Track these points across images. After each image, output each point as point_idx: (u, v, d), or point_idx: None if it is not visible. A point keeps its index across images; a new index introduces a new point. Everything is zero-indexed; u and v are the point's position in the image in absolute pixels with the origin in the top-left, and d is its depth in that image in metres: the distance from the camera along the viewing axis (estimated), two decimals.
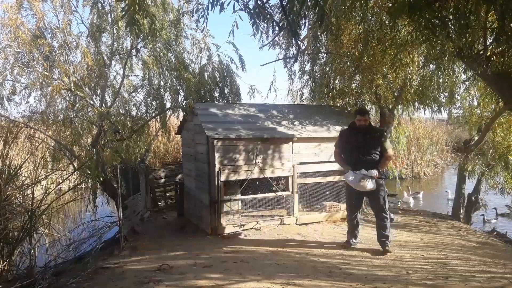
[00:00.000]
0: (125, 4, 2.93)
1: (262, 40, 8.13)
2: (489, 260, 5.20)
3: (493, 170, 9.00)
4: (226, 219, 6.52)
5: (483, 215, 10.29)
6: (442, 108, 8.72)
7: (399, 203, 12.21)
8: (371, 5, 5.31)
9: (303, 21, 3.30)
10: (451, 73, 7.55)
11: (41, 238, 5.30)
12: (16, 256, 4.77)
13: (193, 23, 8.86)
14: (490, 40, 4.38)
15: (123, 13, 2.99)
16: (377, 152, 4.99)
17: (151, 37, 7.53)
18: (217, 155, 6.30)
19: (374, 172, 4.80)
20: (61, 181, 6.70)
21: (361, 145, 4.94)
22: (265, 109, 7.78)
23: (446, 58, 5.62)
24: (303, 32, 8.33)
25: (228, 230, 6.41)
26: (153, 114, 9.14)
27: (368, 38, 6.44)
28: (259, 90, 10.84)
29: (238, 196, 6.73)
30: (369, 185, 4.85)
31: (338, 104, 8.76)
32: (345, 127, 5.68)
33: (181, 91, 8.63)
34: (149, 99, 9.04)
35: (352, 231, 5.50)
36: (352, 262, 4.83)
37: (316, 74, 9.05)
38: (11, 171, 5.24)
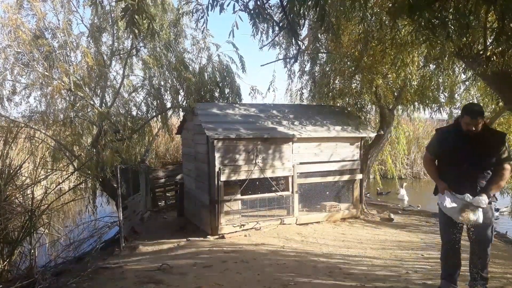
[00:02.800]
0: (125, 4, 2.93)
1: (262, 40, 8.15)
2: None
3: None
4: (226, 219, 6.53)
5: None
6: (442, 108, 8.72)
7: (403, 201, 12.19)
8: (371, 5, 5.31)
9: (303, 21, 3.30)
10: (451, 73, 7.56)
11: (41, 238, 5.29)
12: (16, 256, 4.76)
13: (193, 23, 8.89)
14: (490, 40, 4.37)
15: (123, 13, 2.99)
16: (491, 168, 3.36)
17: (150, 37, 7.54)
18: (217, 155, 6.31)
19: (484, 201, 3.20)
20: (61, 181, 6.69)
21: (468, 155, 3.32)
22: (265, 109, 7.78)
23: (446, 58, 5.62)
24: (303, 32, 8.35)
25: (228, 230, 6.41)
26: (154, 114, 9.14)
27: (368, 38, 6.44)
28: (260, 90, 10.89)
29: (238, 196, 6.74)
30: (474, 217, 3.26)
31: (338, 104, 8.77)
32: (446, 125, 4.02)
33: (181, 91, 8.64)
34: (149, 99, 9.05)
35: (450, 273, 3.57)
36: (352, 262, 4.83)
37: (316, 74, 9.05)
38: (11, 171, 5.23)
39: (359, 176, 7.65)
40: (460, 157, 3.31)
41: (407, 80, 7.06)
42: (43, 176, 5.91)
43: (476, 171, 3.35)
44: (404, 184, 13.29)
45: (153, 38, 7.67)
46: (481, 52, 4.40)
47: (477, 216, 3.25)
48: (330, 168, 7.32)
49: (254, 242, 5.93)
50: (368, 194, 11.99)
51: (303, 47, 8.75)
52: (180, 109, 8.69)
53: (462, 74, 7.90)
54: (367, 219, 7.83)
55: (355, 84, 8.21)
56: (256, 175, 6.63)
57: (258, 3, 3.20)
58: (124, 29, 7.17)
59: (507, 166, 3.29)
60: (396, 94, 8.09)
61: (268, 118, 7.35)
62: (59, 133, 8.06)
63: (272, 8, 5.11)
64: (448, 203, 3.33)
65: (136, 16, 3.01)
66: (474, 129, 3.25)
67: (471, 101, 9.34)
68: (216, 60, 9.40)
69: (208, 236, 6.37)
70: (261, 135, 6.63)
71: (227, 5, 3.15)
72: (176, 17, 8.52)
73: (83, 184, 8.22)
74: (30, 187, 5.18)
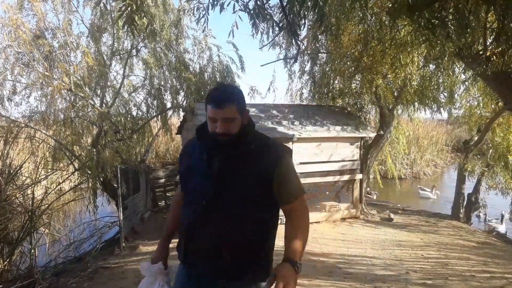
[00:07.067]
0: (123, 3, 2.94)
1: (262, 40, 8.16)
2: (489, 260, 5.20)
3: (493, 170, 9.01)
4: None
5: (485, 214, 10.26)
6: (442, 108, 8.73)
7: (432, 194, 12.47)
8: (371, 5, 5.31)
9: (303, 22, 3.30)
10: (451, 73, 7.56)
11: (41, 238, 5.30)
12: (17, 256, 4.77)
13: (194, 23, 8.89)
14: (490, 40, 4.38)
15: (120, 12, 3.00)
16: (261, 210, 1.65)
17: (150, 37, 7.54)
18: None
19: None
20: (61, 181, 6.70)
21: (212, 182, 1.63)
22: (265, 109, 7.79)
23: (446, 58, 5.63)
24: (303, 33, 8.35)
25: None
26: (154, 114, 9.15)
27: (368, 38, 6.45)
28: (259, 90, 10.91)
29: None
30: None
31: (338, 104, 8.78)
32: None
33: (181, 91, 8.64)
34: (149, 99, 9.05)
35: None
36: (352, 262, 4.84)
37: (316, 74, 9.06)
38: (12, 171, 5.24)
39: (359, 176, 7.65)
40: (198, 186, 1.66)
41: (407, 80, 7.07)
42: (43, 176, 5.91)
43: (228, 215, 1.60)
44: (434, 186, 13.47)
45: (153, 38, 7.67)
46: (481, 52, 4.40)
47: None
48: (330, 168, 7.32)
49: None
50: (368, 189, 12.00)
51: (303, 47, 8.76)
52: (180, 109, 8.69)
53: (462, 74, 7.92)
54: (367, 219, 7.83)
55: (355, 84, 8.22)
56: None
57: (258, 3, 3.20)
58: (121, 28, 7.16)
59: (301, 202, 1.71)
60: (396, 94, 8.10)
61: (268, 118, 7.36)
62: (59, 133, 8.07)
63: (272, 8, 5.12)
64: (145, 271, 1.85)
65: (135, 16, 3.01)
66: (222, 130, 1.57)
67: (471, 101, 9.32)
68: (216, 60, 9.40)
69: None
70: None
71: (227, 5, 3.16)
72: (177, 18, 8.52)
73: (84, 184, 8.22)
74: (30, 187, 5.19)
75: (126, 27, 3.09)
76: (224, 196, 1.60)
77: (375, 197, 11.54)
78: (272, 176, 1.60)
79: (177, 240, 1.79)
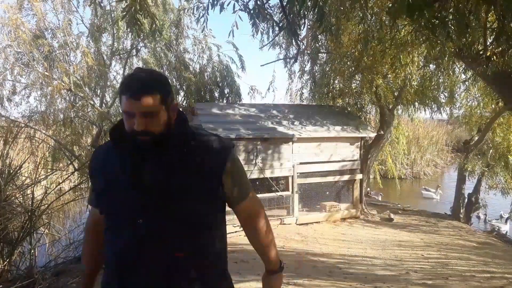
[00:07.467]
0: (126, 4, 2.94)
1: (263, 40, 8.16)
2: (489, 260, 5.20)
3: (493, 170, 9.01)
4: (226, 219, 6.52)
5: (485, 215, 10.26)
6: (442, 108, 8.73)
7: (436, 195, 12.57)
8: (371, 5, 5.30)
9: (303, 22, 3.30)
10: (451, 73, 7.56)
11: (41, 238, 5.29)
12: (16, 256, 4.77)
13: (194, 23, 8.90)
14: (490, 40, 4.37)
15: (124, 13, 3.00)
16: (209, 216, 1.42)
17: (151, 37, 7.55)
18: None
19: None
20: (61, 181, 6.69)
21: (143, 196, 1.24)
22: (265, 109, 7.79)
23: (446, 58, 5.61)
24: (303, 33, 8.36)
25: (228, 230, 6.39)
26: None
27: (368, 38, 6.44)
28: (259, 90, 10.89)
29: None
30: None
31: (338, 104, 8.77)
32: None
33: (181, 91, 8.64)
34: None
35: None
36: (352, 262, 4.84)
37: (316, 74, 9.07)
38: (11, 171, 5.24)
39: (359, 176, 7.65)
40: (125, 204, 1.28)
41: (407, 80, 7.07)
42: (43, 176, 5.91)
43: (171, 235, 1.27)
44: (439, 186, 13.55)
45: (153, 38, 7.68)
46: (481, 52, 4.40)
47: None
48: (330, 168, 7.32)
49: None
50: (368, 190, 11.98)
51: (303, 47, 8.76)
52: (180, 109, 8.69)
53: (462, 74, 7.91)
54: (367, 219, 7.83)
55: (355, 84, 8.22)
56: (256, 175, 6.63)
57: (258, 3, 3.20)
58: (125, 29, 7.17)
59: (254, 196, 1.52)
60: (396, 94, 8.10)
61: (268, 118, 7.36)
62: (59, 133, 8.07)
63: (272, 8, 5.12)
64: None
65: (138, 16, 3.01)
66: (141, 127, 1.20)
67: (471, 101, 9.33)
68: (216, 60, 9.41)
69: None
70: (261, 135, 6.63)
71: (227, 5, 3.16)
72: (177, 18, 8.53)
73: (83, 184, 8.22)
74: (30, 187, 5.18)
75: (129, 28, 3.10)
76: (163, 213, 1.24)
77: (379, 198, 11.51)
78: (220, 176, 1.33)
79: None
